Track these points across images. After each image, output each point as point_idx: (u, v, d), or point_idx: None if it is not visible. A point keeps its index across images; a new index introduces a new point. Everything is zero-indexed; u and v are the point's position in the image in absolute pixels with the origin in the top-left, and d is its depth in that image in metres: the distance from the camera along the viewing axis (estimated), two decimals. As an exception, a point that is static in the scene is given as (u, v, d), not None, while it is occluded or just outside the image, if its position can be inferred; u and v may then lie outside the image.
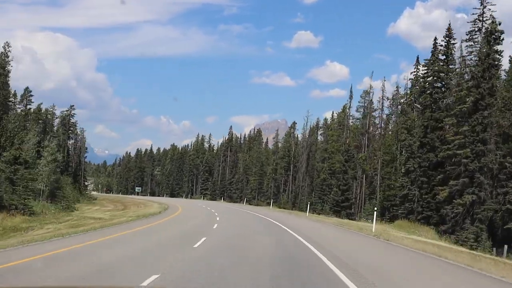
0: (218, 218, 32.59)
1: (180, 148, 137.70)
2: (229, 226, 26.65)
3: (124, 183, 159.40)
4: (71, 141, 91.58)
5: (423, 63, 49.01)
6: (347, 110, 72.36)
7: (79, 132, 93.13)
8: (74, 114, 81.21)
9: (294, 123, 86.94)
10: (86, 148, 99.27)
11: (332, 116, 78.37)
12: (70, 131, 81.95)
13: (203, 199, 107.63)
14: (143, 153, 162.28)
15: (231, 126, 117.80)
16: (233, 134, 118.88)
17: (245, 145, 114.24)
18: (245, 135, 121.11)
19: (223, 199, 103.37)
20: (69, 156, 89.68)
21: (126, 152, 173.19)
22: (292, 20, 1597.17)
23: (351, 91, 79.50)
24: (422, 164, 41.91)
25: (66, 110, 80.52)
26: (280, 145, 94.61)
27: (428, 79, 46.45)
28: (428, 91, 44.61)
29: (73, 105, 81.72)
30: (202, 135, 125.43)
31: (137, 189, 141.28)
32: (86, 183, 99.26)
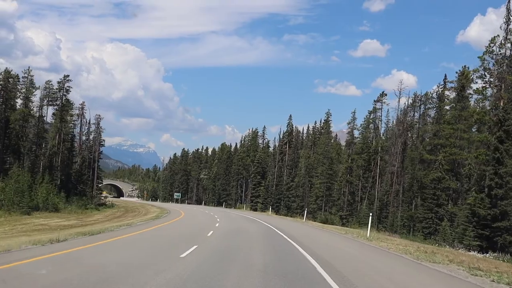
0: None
1: (230, 145, 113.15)
2: None
3: (168, 188, 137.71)
4: (77, 129, 69.77)
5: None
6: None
7: (87, 118, 71.11)
8: (69, 88, 58.74)
9: (384, 93, 59.36)
10: (103, 142, 77.09)
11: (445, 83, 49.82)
12: (65, 112, 59.61)
13: (249, 209, 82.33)
14: (190, 154, 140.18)
15: (290, 116, 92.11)
16: (293, 127, 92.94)
17: (309, 139, 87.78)
18: (308, 127, 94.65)
19: (279, 210, 77.45)
20: (73, 149, 67.58)
21: (174, 154, 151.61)
22: (359, 29, 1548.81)
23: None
24: None
25: (59, 82, 58.29)
26: (357, 133, 67.28)
27: None
28: None
29: (67, 76, 59.22)
30: (255, 128, 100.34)
31: (176, 195, 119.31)
32: (99, 185, 76.72)
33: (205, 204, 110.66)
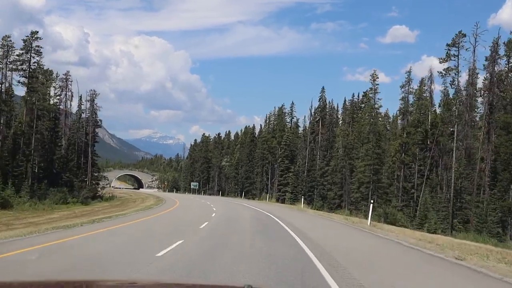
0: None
1: (253, 126, 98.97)
2: None
3: (189, 178, 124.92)
4: (67, 105, 57.28)
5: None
6: None
7: (74, 92, 58.33)
8: (39, 49, 45.56)
9: (461, 33, 43.89)
10: (99, 122, 64.41)
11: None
12: (35, 79, 46.66)
13: (275, 200, 68.34)
14: (211, 139, 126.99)
15: (323, 88, 77.37)
16: (327, 102, 78.14)
17: (347, 114, 72.94)
18: (344, 101, 79.64)
19: (312, 201, 63.17)
20: (57, 130, 55.19)
21: (194, 140, 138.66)
22: (387, 15, 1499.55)
23: None
24: None
25: (24, 40, 45.14)
26: (411, 99, 51.87)
27: None
28: None
29: (36, 32, 45.93)
30: (282, 105, 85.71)
31: (193, 185, 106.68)
32: (96, 175, 64.12)
33: (227, 194, 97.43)
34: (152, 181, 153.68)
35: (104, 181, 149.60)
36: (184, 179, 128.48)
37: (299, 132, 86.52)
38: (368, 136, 54.66)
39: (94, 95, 63.19)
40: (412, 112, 49.90)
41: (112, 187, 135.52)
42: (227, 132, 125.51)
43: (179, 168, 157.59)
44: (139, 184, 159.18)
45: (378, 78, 57.22)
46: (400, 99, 50.84)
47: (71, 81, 56.30)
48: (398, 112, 52.35)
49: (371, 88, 56.50)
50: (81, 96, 61.83)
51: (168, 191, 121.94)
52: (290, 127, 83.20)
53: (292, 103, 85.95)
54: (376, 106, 56.66)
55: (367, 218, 40.61)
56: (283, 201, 69.07)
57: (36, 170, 50.32)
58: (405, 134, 48.87)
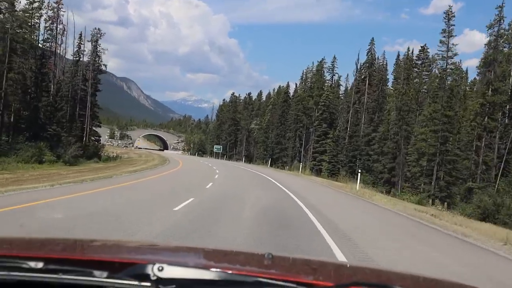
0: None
1: (287, 85, 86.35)
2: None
3: (215, 141, 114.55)
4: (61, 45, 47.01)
5: None
6: None
7: (65, 26, 47.62)
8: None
9: None
10: (103, 67, 53.97)
11: None
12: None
13: (310, 172, 56.55)
14: (241, 99, 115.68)
15: (372, 39, 64.25)
16: (374, 55, 65.06)
17: (401, 69, 59.79)
18: (397, 56, 66.31)
19: (358, 172, 51.47)
20: (45, 73, 45.20)
21: (223, 100, 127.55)
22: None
23: None
24: None
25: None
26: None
27: None
28: None
29: None
30: (322, 59, 72.46)
31: (216, 148, 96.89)
32: (96, 130, 54.26)
33: (255, 161, 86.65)
34: (178, 142, 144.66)
35: (126, 140, 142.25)
36: (211, 142, 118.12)
37: (340, 93, 74.02)
38: (437, 93, 41.90)
39: (99, 35, 52.48)
40: (501, 62, 36.71)
41: (136, 147, 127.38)
42: (259, 93, 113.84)
43: (208, 131, 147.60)
44: (164, 145, 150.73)
45: (454, 17, 43.61)
46: (485, 44, 37.60)
47: (64, 11, 45.26)
48: (480, 63, 39.03)
49: (444, 30, 43.01)
50: (80, 34, 51.29)
51: (190, 154, 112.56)
52: (330, 85, 70.64)
53: (334, 57, 72.73)
54: (450, 53, 43.18)
55: (435, 203, 29.31)
56: (318, 173, 57.58)
57: (11, 119, 40.56)
58: (490, 91, 36.07)
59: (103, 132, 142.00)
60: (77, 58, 50.30)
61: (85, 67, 51.35)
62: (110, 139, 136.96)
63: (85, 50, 50.73)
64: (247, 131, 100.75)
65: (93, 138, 51.79)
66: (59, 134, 43.62)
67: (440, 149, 38.56)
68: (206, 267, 1.64)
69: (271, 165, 70.65)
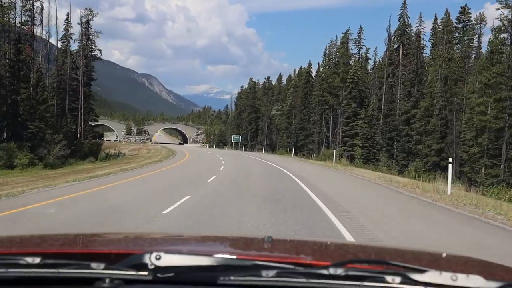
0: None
1: (309, 64, 77.74)
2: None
3: (235, 131, 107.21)
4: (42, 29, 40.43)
5: None
6: None
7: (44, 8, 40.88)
8: None
9: None
10: (97, 53, 47.22)
11: None
12: None
13: (345, 159, 48.36)
14: (260, 85, 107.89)
15: (404, 2, 55.50)
16: (407, 20, 56.31)
17: (442, 33, 50.92)
18: (434, 20, 57.42)
19: (395, 160, 43.56)
20: (23, 60, 38.74)
21: (241, 87, 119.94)
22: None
23: None
24: None
25: None
26: None
27: None
28: None
29: None
30: (347, 30, 63.40)
31: (234, 138, 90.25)
32: (93, 125, 47.59)
33: (278, 149, 79.11)
34: (197, 135, 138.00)
35: (144, 135, 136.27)
36: (231, 132, 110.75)
37: (369, 67, 65.51)
38: (494, 54, 33.44)
39: (91, 16, 45.63)
40: None
41: (155, 142, 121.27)
42: (278, 77, 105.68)
43: (228, 121, 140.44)
44: (184, 139, 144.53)
45: None
46: None
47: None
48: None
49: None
50: (68, 15, 44.37)
51: (209, 147, 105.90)
52: (357, 60, 62.09)
53: (360, 27, 63.71)
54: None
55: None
56: (350, 160, 49.63)
57: (-19, 117, 34.27)
58: None
59: (120, 128, 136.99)
60: (65, 43, 43.49)
61: (76, 53, 44.66)
62: (127, 136, 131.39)
63: (74, 34, 43.96)
64: (268, 118, 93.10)
65: (88, 135, 45.01)
66: (43, 132, 36.99)
67: (509, 122, 30.27)
68: (205, 254, 1.57)
69: (295, 154, 63.15)
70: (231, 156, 47.54)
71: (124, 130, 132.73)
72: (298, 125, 72.98)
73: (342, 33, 63.00)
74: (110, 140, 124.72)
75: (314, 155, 54.45)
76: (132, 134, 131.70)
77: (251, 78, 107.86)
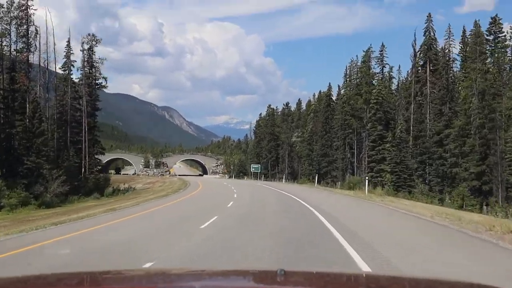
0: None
1: (329, 87, 73.91)
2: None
3: (255, 160, 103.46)
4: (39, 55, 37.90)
5: None
6: None
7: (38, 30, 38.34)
8: None
9: None
10: (103, 82, 44.65)
11: None
12: None
13: (381, 190, 43.82)
14: (278, 111, 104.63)
15: (429, 15, 51.60)
16: (434, 33, 52.46)
17: (472, 46, 46.72)
18: (463, 33, 53.43)
19: (429, 182, 39.13)
20: (18, 90, 36.38)
21: (259, 115, 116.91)
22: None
23: None
24: None
25: None
26: None
27: None
28: None
29: None
30: (368, 48, 59.60)
31: (253, 168, 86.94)
32: (99, 159, 44.62)
33: (300, 178, 74.92)
34: (217, 165, 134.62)
35: (162, 167, 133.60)
36: (251, 161, 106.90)
37: (393, 87, 61.45)
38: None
39: (94, 41, 43.14)
40: None
41: (173, 174, 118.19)
42: (298, 102, 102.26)
43: (248, 150, 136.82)
44: (203, 170, 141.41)
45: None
46: None
47: (34, 10, 35.73)
48: None
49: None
50: (69, 41, 41.90)
51: (229, 177, 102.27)
52: (381, 79, 58.18)
53: (382, 45, 59.92)
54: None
55: None
56: (378, 187, 45.18)
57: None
58: None
59: (138, 162, 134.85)
60: (66, 70, 40.92)
61: (79, 82, 42.02)
62: (145, 169, 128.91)
63: (75, 61, 41.35)
64: (288, 145, 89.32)
65: (93, 168, 41.84)
66: (41, 167, 33.90)
67: None
68: None
69: (318, 182, 58.96)
70: (247, 187, 43.71)
71: (142, 163, 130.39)
72: (320, 152, 68.91)
73: (364, 51, 59.42)
74: (128, 174, 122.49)
75: (339, 183, 50.10)
76: (150, 167, 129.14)
77: (269, 105, 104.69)
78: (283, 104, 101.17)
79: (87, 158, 40.60)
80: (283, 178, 76.30)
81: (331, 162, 66.24)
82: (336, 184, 54.86)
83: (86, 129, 40.59)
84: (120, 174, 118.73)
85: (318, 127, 73.18)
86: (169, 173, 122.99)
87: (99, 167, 43.81)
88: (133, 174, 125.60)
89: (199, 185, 47.76)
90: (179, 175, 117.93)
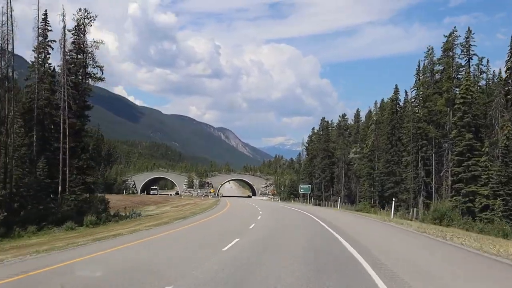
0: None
1: (395, 91, 60.14)
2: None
3: (307, 180, 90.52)
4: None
5: None
6: None
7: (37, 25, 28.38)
8: None
9: None
10: (98, 74, 34.27)
11: None
12: None
13: (502, 234, 29.88)
14: (333, 125, 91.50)
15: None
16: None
17: None
18: None
19: None
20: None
21: (312, 129, 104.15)
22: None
23: None
24: None
25: None
26: None
27: None
28: None
29: None
30: (451, 32, 45.66)
31: (302, 189, 74.81)
32: (90, 180, 33.69)
33: (359, 201, 61.27)
34: (266, 186, 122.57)
35: (207, 188, 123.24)
36: (302, 181, 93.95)
37: (482, 83, 47.16)
38: None
39: (86, 19, 32.92)
40: None
41: (216, 195, 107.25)
42: (356, 113, 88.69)
43: (300, 170, 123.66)
44: (252, 191, 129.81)
45: None
46: None
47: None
48: None
49: None
50: (45, 15, 31.42)
51: (279, 200, 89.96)
52: (469, 73, 44.11)
53: (469, 30, 45.81)
54: None
55: None
56: (463, 214, 31.28)
57: None
58: None
59: (181, 181, 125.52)
60: (41, 53, 30.66)
61: (58, 76, 31.72)
62: (188, 189, 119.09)
63: (55, 40, 31.03)
64: (344, 163, 75.92)
65: (74, 190, 30.86)
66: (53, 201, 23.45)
67: None
68: None
69: (382, 207, 45.57)
70: (288, 214, 31.30)
71: (186, 183, 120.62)
72: (385, 170, 55.32)
73: (445, 35, 45.65)
74: (169, 195, 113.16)
75: (415, 210, 36.22)
76: (194, 187, 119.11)
77: (323, 118, 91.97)
78: (339, 116, 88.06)
79: (67, 172, 29.94)
80: (338, 201, 62.99)
81: (398, 183, 52.52)
82: (407, 210, 41.12)
83: (67, 133, 30.04)
84: (156, 194, 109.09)
85: (381, 140, 59.74)
86: (215, 194, 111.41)
87: (86, 185, 32.79)
88: (175, 194, 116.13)
89: (221, 212, 35.94)
90: (222, 196, 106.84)
